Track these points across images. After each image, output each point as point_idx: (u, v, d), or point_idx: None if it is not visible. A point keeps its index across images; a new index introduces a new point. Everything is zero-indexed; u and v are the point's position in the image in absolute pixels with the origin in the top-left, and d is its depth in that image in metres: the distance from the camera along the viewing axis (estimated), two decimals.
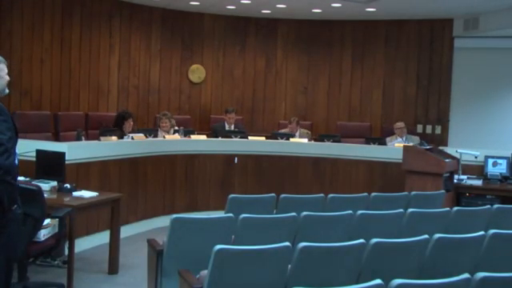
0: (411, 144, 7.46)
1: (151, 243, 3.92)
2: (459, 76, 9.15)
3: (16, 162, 3.34)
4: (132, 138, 6.94)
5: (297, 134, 8.60)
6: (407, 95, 9.45)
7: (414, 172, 6.53)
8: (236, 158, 7.66)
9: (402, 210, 4.37)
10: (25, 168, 5.39)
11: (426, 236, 3.32)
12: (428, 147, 6.94)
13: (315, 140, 8.38)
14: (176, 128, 7.94)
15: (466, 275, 2.59)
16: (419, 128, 9.28)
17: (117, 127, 7.45)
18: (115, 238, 5.15)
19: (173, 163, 7.22)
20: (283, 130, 8.80)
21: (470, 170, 7.56)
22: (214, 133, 8.48)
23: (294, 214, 3.93)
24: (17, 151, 3.38)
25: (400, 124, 8.47)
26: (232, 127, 8.67)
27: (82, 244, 5.67)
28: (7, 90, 3.48)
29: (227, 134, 8.15)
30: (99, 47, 8.56)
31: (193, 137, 7.72)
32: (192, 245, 3.61)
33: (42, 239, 4.28)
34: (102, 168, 6.10)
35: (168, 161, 7.16)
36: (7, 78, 3.45)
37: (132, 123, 7.57)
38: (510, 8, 7.92)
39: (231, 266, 2.90)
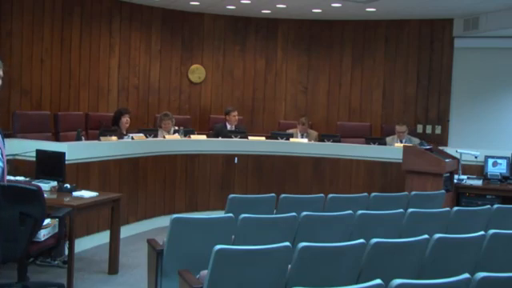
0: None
1: (151, 243, 3.91)
2: (459, 76, 9.14)
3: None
4: (132, 138, 6.94)
5: (304, 134, 8.50)
6: (407, 95, 9.45)
7: (414, 172, 6.52)
8: (236, 158, 7.66)
9: (402, 210, 4.37)
10: (25, 168, 5.42)
11: (426, 236, 3.32)
12: (428, 147, 6.94)
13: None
14: (176, 128, 7.93)
15: (466, 275, 2.59)
16: (419, 128, 9.28)
17: (115, 125, 7.43)
18: (115, 237, 5.15)
19: (173, 163, 7.22)
20: (291, 130, 8.67)
21: (469, 170, 7.55)
22: (215, 133, 8.46)
23: (294, 213, 3.92)
24: None
25: (402, 128, 8.19)
26: (233, 127, 8.61)
27: (82, 244, 5.67)
28: None
29: (228, 134, 8.14)
30: (99, 47, 8.56)
31: (193, 137, 7.72)
32: (192, 245, 3.61)
33: (42, 239, 4.27)
34: (102, 168, 6.10)
35: (168, 161, 7.16)
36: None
37: (129, 119, 7.49)
38: (510, 8, 7.92)
39: (231, 265, 2.89)
